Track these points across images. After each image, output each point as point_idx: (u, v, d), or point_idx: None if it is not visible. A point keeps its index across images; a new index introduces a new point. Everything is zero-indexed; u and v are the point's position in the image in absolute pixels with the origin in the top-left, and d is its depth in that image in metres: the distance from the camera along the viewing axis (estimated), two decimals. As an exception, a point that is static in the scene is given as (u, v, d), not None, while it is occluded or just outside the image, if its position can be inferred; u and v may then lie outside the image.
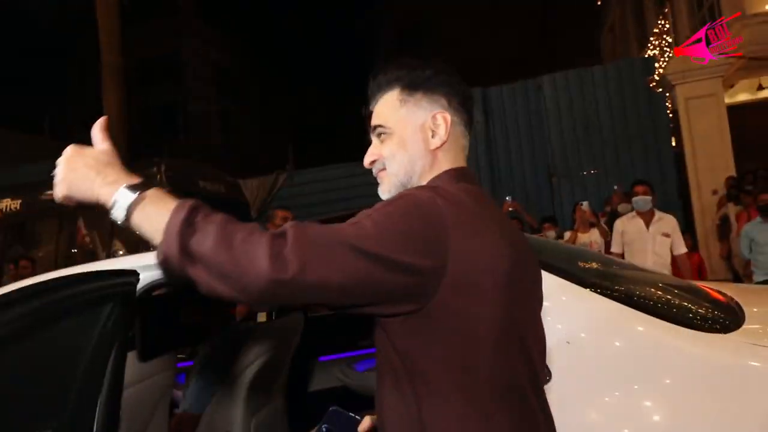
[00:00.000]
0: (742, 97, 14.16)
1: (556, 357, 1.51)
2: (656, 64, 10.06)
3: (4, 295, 1.24)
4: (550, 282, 1.67)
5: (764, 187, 7.25)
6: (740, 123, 9.02)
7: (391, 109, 1.19)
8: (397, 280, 0.95)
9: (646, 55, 13.83)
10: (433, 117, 1.17)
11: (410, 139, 1.17)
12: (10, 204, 7.12)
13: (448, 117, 1.17)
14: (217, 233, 0.90)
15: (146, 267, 1.74)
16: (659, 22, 14.66)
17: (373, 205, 1.04)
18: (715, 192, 8.44)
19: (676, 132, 8.99)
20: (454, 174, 1.16)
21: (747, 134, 9.14)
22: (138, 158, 12.66)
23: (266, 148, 23.13)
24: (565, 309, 1.62)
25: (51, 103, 22.54)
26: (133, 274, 1.57)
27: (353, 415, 1.25)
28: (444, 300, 0.98)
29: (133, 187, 0.98)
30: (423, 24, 28.99)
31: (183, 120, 25.32)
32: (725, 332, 1.54)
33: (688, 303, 1.84)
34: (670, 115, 9.09)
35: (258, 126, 28.36)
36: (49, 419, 1.49)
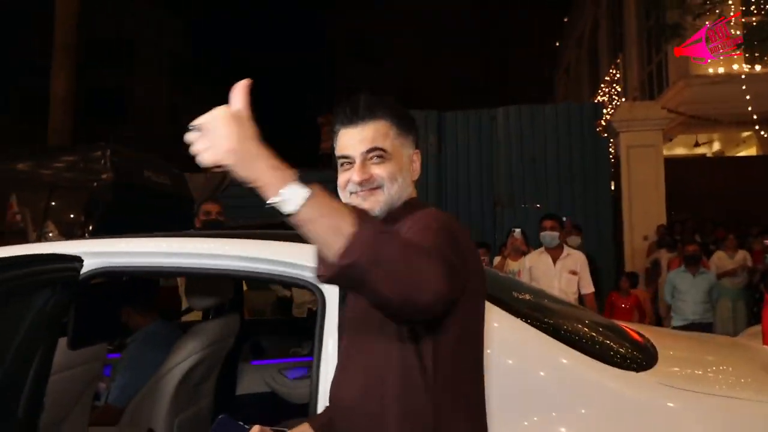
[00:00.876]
0: (679, 150, 15.01)
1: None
2: (604, 110, 10.53)
3: None
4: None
5: (691, 238, 7.69)
6: (675, 175, 9.53)
7: (388, 137, 1.32)
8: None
9: (596, 100, 14.45)
10: (414, 154, 1.38)
11: (405, 167, 1.35)
12: (-62, 173, 6.72)
13: (418, 153, 1.39)
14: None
15: (90, 254, 1.72)
16: (611, 71, 15.37)
17: None
18: (645, 238, 8.88)
19: (616, 177, 9.42)
20: (419, 202, 1.38)
21: (680, 186, 9.66)
22: (81, 141, 12.23)
23: (216, 145, 22.81)
24: (496, 335, 1.70)
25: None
26: (77, 260, 1.56)
27: (242, 424, 1.31)
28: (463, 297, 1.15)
29: (300, 180, 0.97)
30: (386, 41, 29.30)
31: (129, 107, 24.62)
32: (639, 371, 1.66)
33: (609, 341, 1.96)
34: (612, 161, 9.52)
35: (210, 121, 27.86)
36: None
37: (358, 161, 1.30)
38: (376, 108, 1.32)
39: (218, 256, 1.67)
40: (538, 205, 9.23)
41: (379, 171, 1.30)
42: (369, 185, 1.29)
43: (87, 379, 2.25)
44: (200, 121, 0.99)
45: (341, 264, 0.94)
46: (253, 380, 3.40)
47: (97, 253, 1.74)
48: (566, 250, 4.94)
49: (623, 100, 14.03)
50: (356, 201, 1.30)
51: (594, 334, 2.00)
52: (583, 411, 1.59)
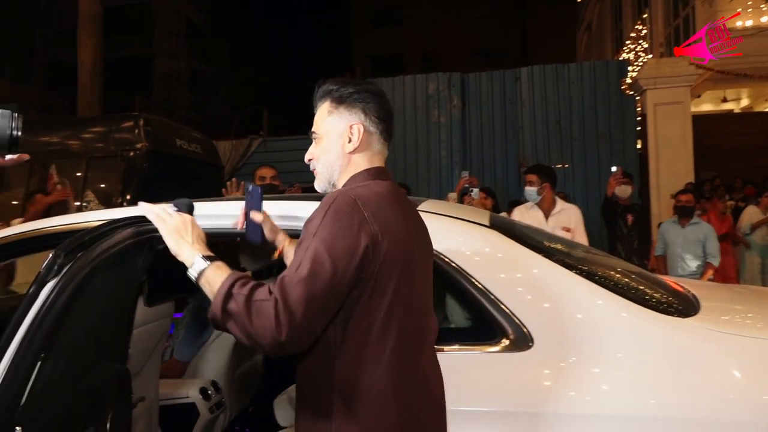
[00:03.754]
0: (707, 107, 14.75)
1: (536, 323, 1.70)
2: (630, 68, 10.39)
3: (98, 227, 1.37)
4: (522, 255, 1.85)
5: (721, 195, 7.66)
6: (703, 132, 9.43)
7: (322, 117, 1.48)
8: (355, 277, 1.25)
9: (621, 58, 14.21)
10: (350, 127, 1.45)
11: (332, 144, 1.46)
12: (-21, 145, 6.92)
13: (362, 127, 1.44)
14: (243, 304, 1.20)
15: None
16: (637, 26, 15.05)
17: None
18: (673, 196, 8.87)
19: (642, 135, 9.36)
20: (368, 173, 1.45)
21: (708, 143, 9.57)
22: (108, 110, 12.40)
23: (237, 112, 22.88)
24: (535, 280, 1.79)
25: (14, 46, 21.71)
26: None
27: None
28: (376, 274, 1.29)
29: (206, 258, 1.33)
30: (407, 5, 28.82)
31: (151, 75, 24.71)
32: (683, 317, 1.77)
33: (646, 287, 2.05)
34: (638, 119, 9.45)
35: (229, 88, 27.88)
36: (113, 357, 1.62)
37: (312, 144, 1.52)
38: (319, 92, 1.50)
39: (293, 218, 1.80)
40: (566, 165, 9.24)
41: (311, 151, 1.50)
42: (312, 165, 1.51)
43: (158, 335, 2.42)
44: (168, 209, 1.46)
45: (209, 316, 1.26)
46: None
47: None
48: (559, 205, 4.49)
49: (649, 56, 13.77)
50: None
51: (631, 281, 2.10)
52: (620, 354, 1.65)
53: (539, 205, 4.51)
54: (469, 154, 9.73)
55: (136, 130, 6.69)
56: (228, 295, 1.22)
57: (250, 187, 1.64)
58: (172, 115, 21.08)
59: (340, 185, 1.46)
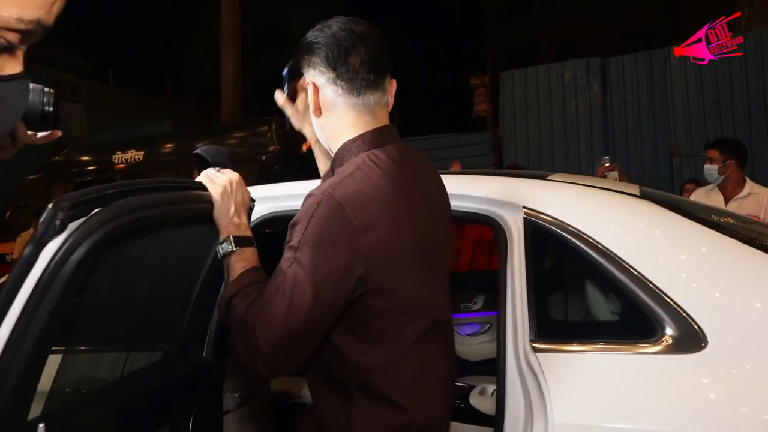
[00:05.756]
0: None
1: (710, 317, 1.31)
2: (805, 36, 9.03)
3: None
4: (688, 230, 1.47)
5: None
6: None
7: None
8: (345, 300, 1.09)
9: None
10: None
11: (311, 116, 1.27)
12: (134, 155, 7.60)
13: (311, 86, 1.20)
14: (238, 321, 1.10)
15: (262, 199, 1.69)
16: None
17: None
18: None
19: (824, 112, 8.05)
20: (355, 145, 1.18)
21: None
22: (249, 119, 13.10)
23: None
24: (718, 264, 1.42)
25: (172, 66, 23.93)
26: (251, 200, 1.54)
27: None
28: (372, 279, 1.08)
29: (237, 238, 1.27)
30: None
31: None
32: None
33: None
34: (819, 93, 8.14)
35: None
36: (164, 340, 1.49)
37: None
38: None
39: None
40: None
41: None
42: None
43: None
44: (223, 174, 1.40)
45: (218, 308, 1.27)
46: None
47: (266, 197, 1.72)
48: (749, 187, 3.83)
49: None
50: None
51: None
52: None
53: (721, 187, 3.90)
54: (612, 145, 8.95)
55: (269, 134, 6.93)
56: (230, 304, 1.13)
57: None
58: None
59: (345, 161, 1.19)
